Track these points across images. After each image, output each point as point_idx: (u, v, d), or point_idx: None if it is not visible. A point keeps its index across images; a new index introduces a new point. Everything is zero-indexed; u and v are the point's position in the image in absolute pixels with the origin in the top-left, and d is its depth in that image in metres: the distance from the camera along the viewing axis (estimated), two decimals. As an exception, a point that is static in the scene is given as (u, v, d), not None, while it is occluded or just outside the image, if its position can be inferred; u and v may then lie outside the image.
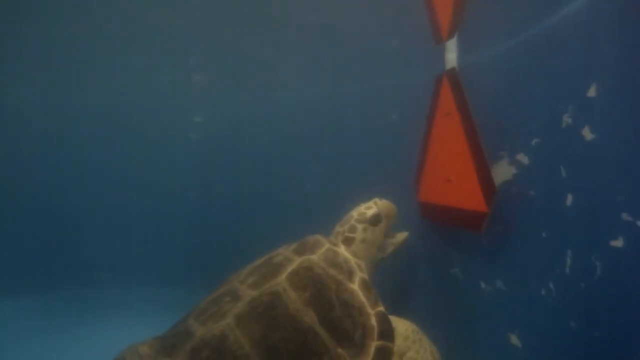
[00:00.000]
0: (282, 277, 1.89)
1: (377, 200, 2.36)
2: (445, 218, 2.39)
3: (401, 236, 2.43)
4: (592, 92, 1.48)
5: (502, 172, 2.00)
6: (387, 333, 1.83)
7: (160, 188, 3.83)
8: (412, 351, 1.89)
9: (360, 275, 2.02)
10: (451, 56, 2.33)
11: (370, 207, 2.30)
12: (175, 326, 1.90)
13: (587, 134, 1.49)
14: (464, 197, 2.12)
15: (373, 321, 1.84)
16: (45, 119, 3.77)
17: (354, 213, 2.30)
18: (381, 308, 1.90)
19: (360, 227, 2.21)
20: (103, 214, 3.82)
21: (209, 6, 3.64)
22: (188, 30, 3.74)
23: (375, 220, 2.24)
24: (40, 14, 3.59)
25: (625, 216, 1.32)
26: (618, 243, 1.34)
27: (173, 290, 3.30)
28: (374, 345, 1.78)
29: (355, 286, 1.95)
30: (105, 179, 3.82)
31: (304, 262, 1.97)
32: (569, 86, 1.59)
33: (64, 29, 3.64)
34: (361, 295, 1.91)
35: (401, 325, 1.95)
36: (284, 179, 3.63)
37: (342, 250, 2.14)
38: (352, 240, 2.18)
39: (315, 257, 2.02)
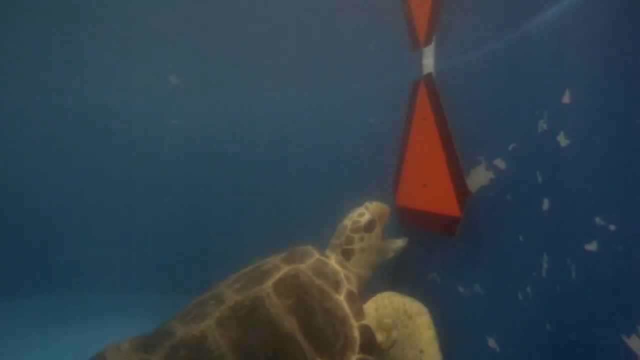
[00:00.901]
0: (268, 283, 1.88)
1: (367, 204, 2.33)
2: (422, 223, 2.40)
3: (401, 242, 2.41)
4: (566, 99, 1.51)
5: (479, 177, 2.02)
6: (368, 347, 1.81)
7: (159, 190, 3.77)
8: (386, 317, 1.92)
9: (347, 287, 1.99)
10: (428, 61, 2.35)
11: (363, 214, 2.27)
12: (160, 327, 1.88)
13: (562, 139, 1.51)
14: (438, 202, 2.14)
15: (356, 333, 1.82)
16: (40, 121, 3.67)
17: (348, 222, 2.27)
18: (365, 321, 1.88)
19: (356, 237, 2.19)
20: (103, 216, 3.77)
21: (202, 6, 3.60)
22: (177, 31, 3.69)
23: (370, 227, 2.23)
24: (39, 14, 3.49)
25: (598, 220, 1.34)
26: (592, 247, 1.37)
27: (173, 294, 3.25)
28: (354, 358, 1.76)
29: (340, 297, 1.93)
30: (104, 182, 3.76)
31: (291, 271, 1.96)
32: (544, 92, 1.62)
33: (63, 29, 3.55)
34: (346, 306, 1.90)
35: (371, 302, 1.98)
36: (281, 182, 3.62)
37: (332, 261, 2.12)
38: (352, 252, 2.18)
39: (303, 266, 2.01)
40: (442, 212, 2.10)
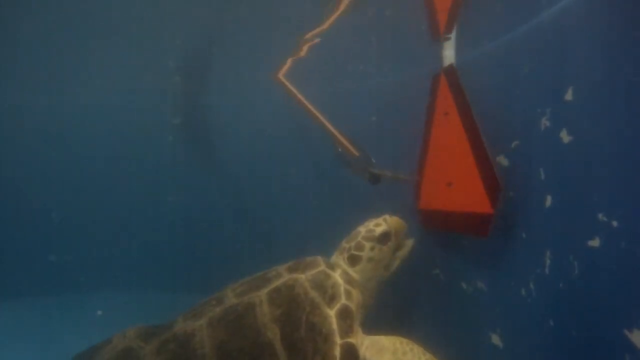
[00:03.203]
0: (264, 291, 1.92)
1: (386, 217, 2.22)
2: (448, 224, 2.24)
3: (407, 246, 2.27)
4: (569, 96, 1.51)
5: (483, 174, 2.02)
6: None
7: (162, 191, 3.79)
8: None
9: (343, 302, 1.93)
10: (448, 53, 2.25)
11: (380, 225, 2.16)
12: (170, 320, 1.99)
13: (565, 136, 1.52)
14: (466, 200, 2.03)
15: (336, 351, 1.79)
16: (40, 121, 3.69)
17: (362, 229, 2.18)
18: (350, 339, 1.84)
19: (367, 245, 2.11)
20: (106, 217, 3.78)
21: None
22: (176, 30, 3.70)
23: (384, 239, 2.12)
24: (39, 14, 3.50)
25: (601, 216, 1.35)
26: (595, 243, 1.37)
27: (174, 293, 3.28)
28: None
29: (331, 312, 1.89)
30: (106, 180, 3.78)
31: (289, 281, 1.97)
32: (547, 90, 1.63)
33: (63, 29, 3.56)
34: (333, 323, 1.86)
35: (387, 341, 1.88)
36: (283, 185, 3.63)
37: (337, 274, 2.04)
38: (359, 259, 2.09)
39: (303, 277, 1.99)
40: (471, 210, 1.98)
